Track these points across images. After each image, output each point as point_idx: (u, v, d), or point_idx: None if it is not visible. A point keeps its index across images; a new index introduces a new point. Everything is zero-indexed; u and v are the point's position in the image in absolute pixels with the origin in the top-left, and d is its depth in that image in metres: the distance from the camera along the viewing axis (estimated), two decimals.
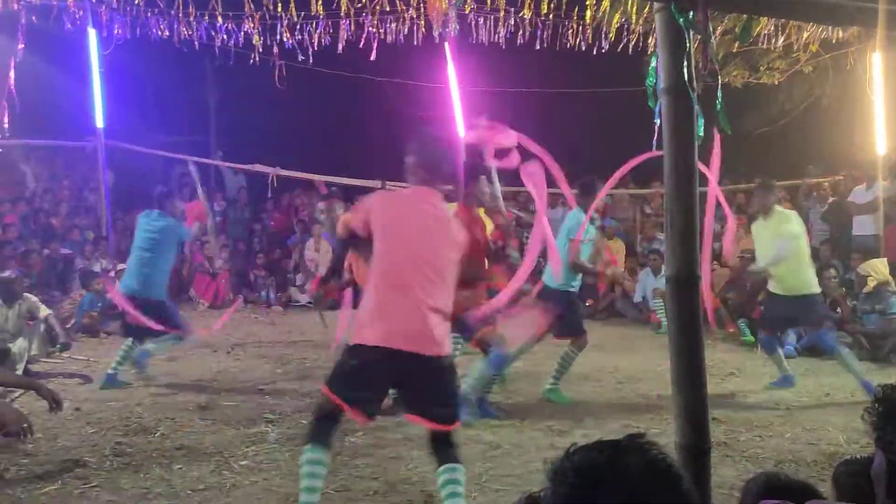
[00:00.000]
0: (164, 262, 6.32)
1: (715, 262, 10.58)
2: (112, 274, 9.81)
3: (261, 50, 9.68)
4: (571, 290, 5.73)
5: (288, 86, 10.22)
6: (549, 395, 5.76)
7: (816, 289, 6.09)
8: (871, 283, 7.48)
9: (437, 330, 3.20)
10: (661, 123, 2.69)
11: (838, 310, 7.65)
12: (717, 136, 3.72)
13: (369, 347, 3.16)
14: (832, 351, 6.07)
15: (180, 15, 9.38)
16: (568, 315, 5.59)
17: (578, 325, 5.79)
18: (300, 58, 9.67)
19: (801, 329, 7.78)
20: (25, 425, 3.96)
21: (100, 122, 10.61)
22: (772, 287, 6.25)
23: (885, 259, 7.81)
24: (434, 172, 3.36)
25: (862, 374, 5.75)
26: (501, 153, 4.58)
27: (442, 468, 3.27)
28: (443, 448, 3.31)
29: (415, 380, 3.22)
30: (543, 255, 5.83)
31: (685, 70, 2.57)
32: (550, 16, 9.26)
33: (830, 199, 10.06)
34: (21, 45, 9.49)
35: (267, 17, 9.25)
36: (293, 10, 8.88)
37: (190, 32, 9.73)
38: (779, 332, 6.60)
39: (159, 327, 6.08)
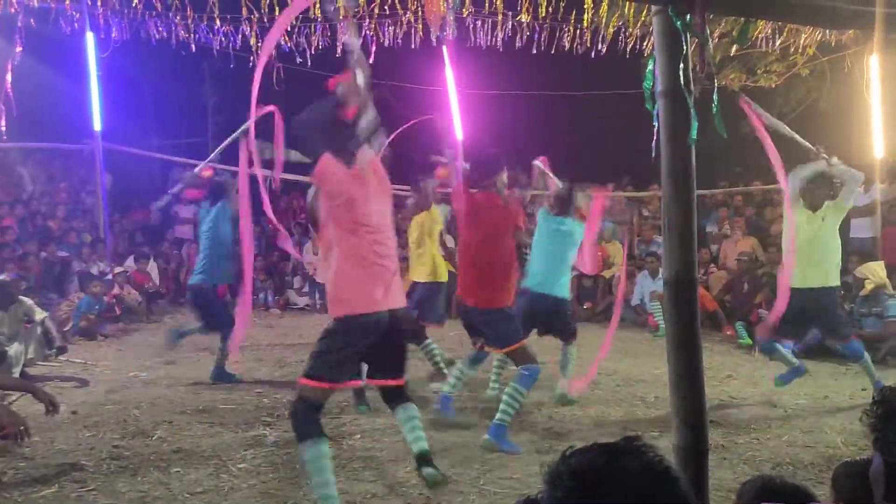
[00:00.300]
0: (219, 246, 6.56)
1: (712, 265, 10.61)
2: (110, 277, 9.81)
3: (258, 53, 9.68)
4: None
5: (286, 88, 10.22)
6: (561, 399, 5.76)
7: (836, 281, 5.75)
8: (869, 286, 7.49)
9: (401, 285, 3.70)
10: (658, 126, 2.69)
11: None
12: None
13: (365, 314, 3.48)
14: (859, 358, 5.75)
15: (178, 18, 9.39)
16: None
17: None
18: (298, 60, 9.68)
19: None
20: (22, 428, 3.95)
21: (97, 124, 10.60)
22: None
23: (883, 262, 7.82)
24: (350, 155, 3.57)
25: (875, 378, 5.64)
26: None
27: (398, 408, 3.70)
28: (397, 395, 3.74)
29: (390, 336, 3.57)
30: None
31: (682, 73, 2.58)
32: (548, 19, 9.28)
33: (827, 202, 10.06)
34: (19, 48, 9.48)
35: (265, 19, 9.26)
36: None
37: (187, 35, 9.73)
38: (791, 337, 6.22)
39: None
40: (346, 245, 3.54)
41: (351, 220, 3.52)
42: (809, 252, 5.59)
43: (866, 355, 5.80)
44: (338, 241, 3.55)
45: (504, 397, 4.77)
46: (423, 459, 3.62)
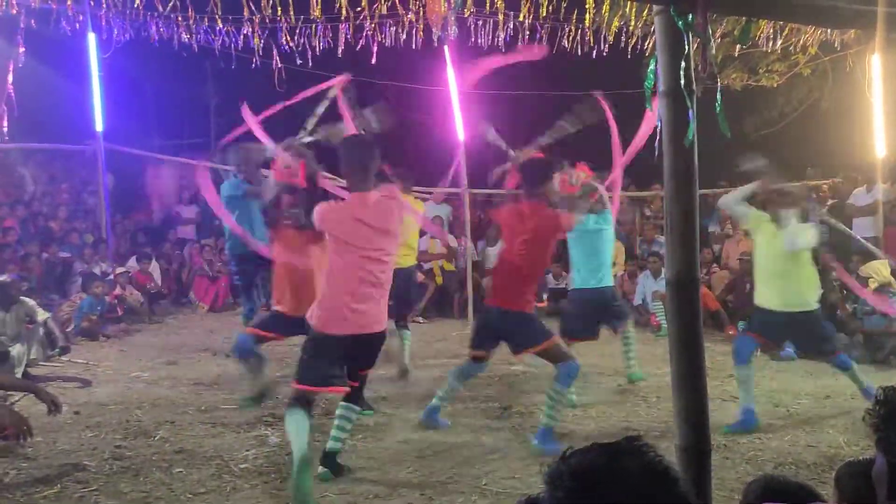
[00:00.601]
0: (238, 219, 6.47)
1: (714, 265, 10.60)
2: (111, 277, 9.82)
3: (260, 53, 9.69)
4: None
5: (287, 89, 10.22)
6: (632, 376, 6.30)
7: (814, 304, 5.31)
8: (873, 285, 7.46)
9: (385, 308, 3.99)
10: (660, 126, 2.69)
11: (838, 312, 7.64)
12: None
13: (344, 336, 3.83)
14: (846, 369, 5.44)
15: (180, 18, 9.40)
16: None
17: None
18: (298, 61, 9.69)
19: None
20: (24, 428, 3.96)
21: (99, 125, 10.61)
22: (761, 301, 5.40)
23: (886, 261, 7.81)
24: (364, 176, 3.96)
25: (864, 384, 5.41)
26: None
27: (344, 404, 4.12)
28: (357, 392, 4.17)
29: (368, 353, 4.03)
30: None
31: (684, 73, 2.57)
32: (549, 19, 9.27)
33: (830, 202, 10.06)
34: (21, 49, 9.49)
35: (266, 20, 9.26)
36: (292, 13, 8.89)
37: (189, 36, 9.74)
38: (769, 341, 5.67)
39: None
40: (335, 266, 3.86)
41: (344, 246, 3.85)
42: (779, 272, 5.24)
43: (854, 366, 5.52)
44: (330, 261, 3.85)
45: (546, 399, 4.74)
46: (326, 457, 4.07)
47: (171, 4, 8.91)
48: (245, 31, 9.57)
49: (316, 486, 3.95)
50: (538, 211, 4.76)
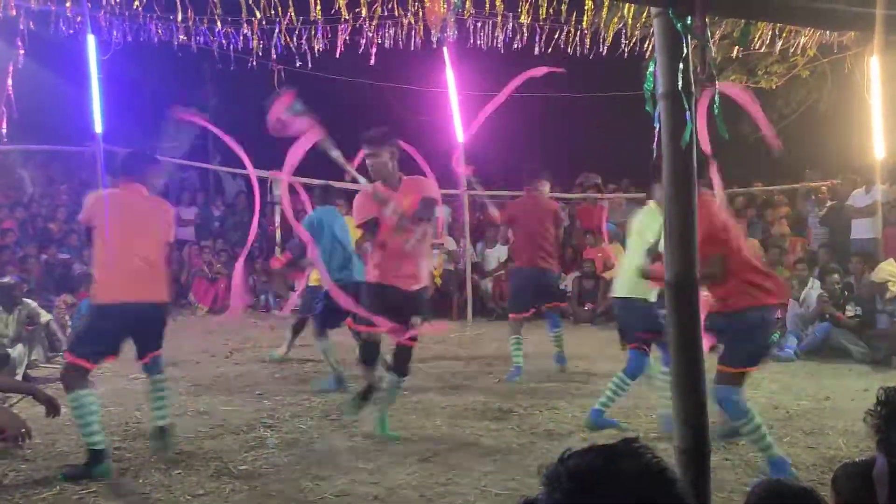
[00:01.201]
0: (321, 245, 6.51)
1: None
2: None
3: (259, 54, 9.70)
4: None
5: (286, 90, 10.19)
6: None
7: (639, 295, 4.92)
8: (893, 288, 7.43)
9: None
10: (659, 128, 2.69)
11: (838, 315, 7.62)
12: None
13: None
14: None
15: (178, 20, 9.41)
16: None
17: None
18: (297, 63, 9.70)
19: (800, 333, 7.77)
20: (23, 430, 3.95)
21: (98, 127, 10.60)
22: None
23: (891, 259, 7.82)
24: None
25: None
26: None
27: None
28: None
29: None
30: None
31: (682, 75, 2.58)
32: (548, 21, 9.29)
33: (829, 203, 10.08)
34: (20, 51, 9.50)
35: (265, 22, 9.27)
36: (292, 14, 8.89)
37: (188, 38, 9.75)
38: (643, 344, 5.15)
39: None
40: None
41: None
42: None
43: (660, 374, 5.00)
44: None
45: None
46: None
47: (174, 8, 8.92)
48: (244, 33, 9.58)
49: (314, 489, 3.96)
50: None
